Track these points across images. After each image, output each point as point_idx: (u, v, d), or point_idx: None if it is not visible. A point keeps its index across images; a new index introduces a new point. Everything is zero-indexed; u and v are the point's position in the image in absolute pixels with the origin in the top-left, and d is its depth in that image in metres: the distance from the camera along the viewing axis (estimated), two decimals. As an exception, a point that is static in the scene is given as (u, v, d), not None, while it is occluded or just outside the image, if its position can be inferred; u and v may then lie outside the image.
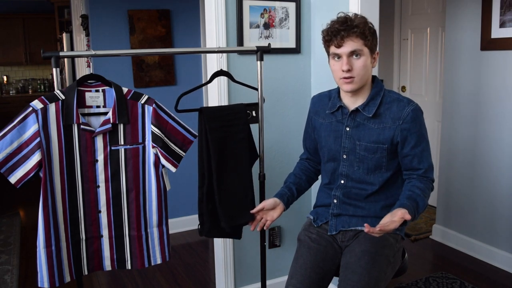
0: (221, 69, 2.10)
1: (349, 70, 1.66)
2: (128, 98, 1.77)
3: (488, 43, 3.01)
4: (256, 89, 2.11)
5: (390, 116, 1.71)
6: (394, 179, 1.79)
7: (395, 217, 1.50)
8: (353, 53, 1.66)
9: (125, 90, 1.78)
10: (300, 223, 2.60)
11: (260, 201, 2.15)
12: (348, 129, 1.78)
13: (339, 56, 1.69)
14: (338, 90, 1.84)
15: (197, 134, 1.89)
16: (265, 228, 1.93)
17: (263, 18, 2.41)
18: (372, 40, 1.69)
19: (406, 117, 1.69)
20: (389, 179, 1.78)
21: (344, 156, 1.80)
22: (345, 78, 1.68)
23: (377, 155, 1.74)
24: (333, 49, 1.69)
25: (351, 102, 1.78)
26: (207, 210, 1.97)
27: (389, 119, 1.71)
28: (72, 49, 4.81)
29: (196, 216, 2.02)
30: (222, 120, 1.99)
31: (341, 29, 1.65)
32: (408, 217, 1.51)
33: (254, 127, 2.40)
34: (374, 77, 1.79)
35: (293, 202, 1.97)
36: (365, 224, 1.48)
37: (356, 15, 1.70)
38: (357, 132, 1.76)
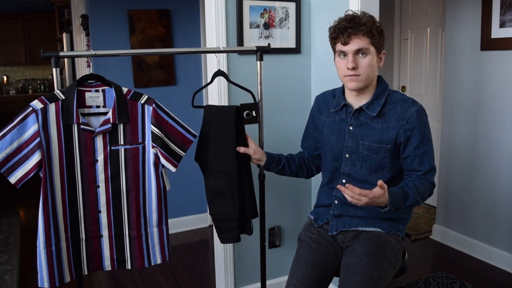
0: (219, 69, 2.10)
1: (354, 68, 1.66)
2: (128, 98, 1.77)
3: (488, 43, 3.01)
4: (250, 92, 2.08)
5: (394, 116, 1.71)
6: (396, 181, 1.78)
7: (382, 198, 1.54)
8: (359, 51, 1.66)
9: (125, 90, 1.78)
10: (300, 223, 2.60)
11: (261, 201, 2.16)
12: (351, 128, 1.77)
13: (345, 54, 1.68)
14: (342, 89, 1.83)
15: (197, 134, 1.89)
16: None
17: (263, 18, 2.41)
18: (379, 39, 1.68)
19: (410, 117, 1.68)
20: (391, 180, 1.77)
21: (347, 155, 1.80)
22: (350, 75, 1.68)
23: (380, 155, 1.73)
24: (339, 46, 1.69)
25: (356, 101, 1.77)
26: (241, 212, 1.96)
27: (393, 119, 1.71)
28: (72, 49, 4.81)
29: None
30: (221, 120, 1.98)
31: (348, 27, 1.64)
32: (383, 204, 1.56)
33: (254, 127, 2.39)
34: (379, 77, 1.79)
35: (271, 170, 1.98)
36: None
37: (364, 13, 1.70)
38: (360, 131, 1.75)
